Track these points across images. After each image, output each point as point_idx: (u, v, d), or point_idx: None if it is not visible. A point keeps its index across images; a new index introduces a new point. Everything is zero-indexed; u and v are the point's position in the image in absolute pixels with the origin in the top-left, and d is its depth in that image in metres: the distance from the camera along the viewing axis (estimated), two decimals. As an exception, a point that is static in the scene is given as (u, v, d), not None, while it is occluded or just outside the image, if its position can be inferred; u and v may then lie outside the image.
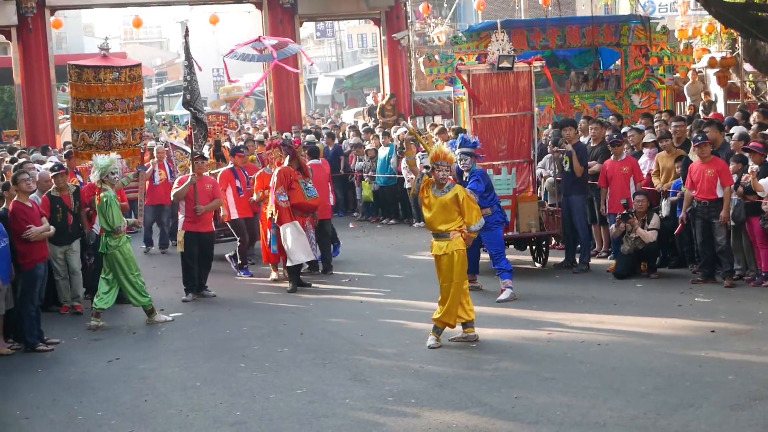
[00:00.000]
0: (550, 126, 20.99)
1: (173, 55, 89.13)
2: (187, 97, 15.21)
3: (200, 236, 15.23)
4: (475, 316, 11.73)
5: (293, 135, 25.42)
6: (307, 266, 16.41)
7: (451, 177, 11.75)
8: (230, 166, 17.72)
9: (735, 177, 14.21)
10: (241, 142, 22.63)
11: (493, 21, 23.39)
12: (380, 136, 24.19)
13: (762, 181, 13.62)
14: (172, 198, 15.82)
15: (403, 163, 22.11)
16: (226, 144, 21.67)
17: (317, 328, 12.94)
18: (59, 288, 14.70)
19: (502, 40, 16.15)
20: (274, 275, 16.61)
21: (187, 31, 15.75)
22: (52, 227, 13.25)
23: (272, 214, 15.69)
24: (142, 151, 15.94)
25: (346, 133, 27.31)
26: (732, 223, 14.22)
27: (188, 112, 15.72)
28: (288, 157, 15.85)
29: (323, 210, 16.83)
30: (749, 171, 13.79)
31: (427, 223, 11.84)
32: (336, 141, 26.05)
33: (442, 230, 11.52)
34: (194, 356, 11.81)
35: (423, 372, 10.53)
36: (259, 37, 22.83)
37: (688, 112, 24.29)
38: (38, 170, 15.08)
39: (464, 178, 14.40)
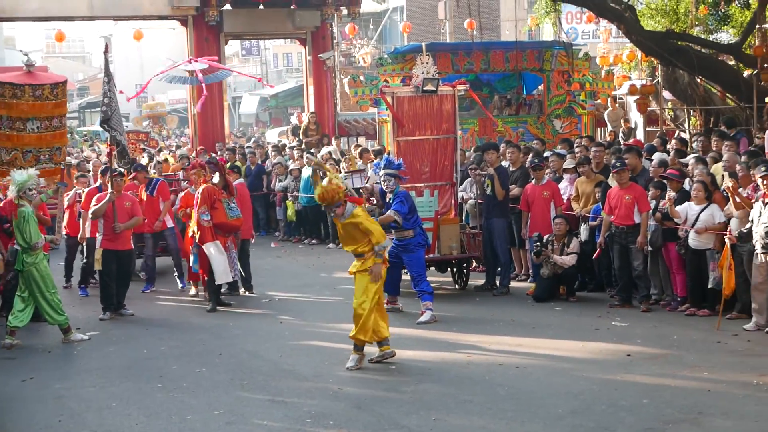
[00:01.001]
0: (472, 149, 21.14)
1: (96, 70, 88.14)
2: (107, 114, 15.04)
3: (118, 254, 15.06)
4: (389, 334, 11.75)
5: (219, 153, 25.36)
6: (227, 286, 16.30)
7: (345, 204, 11.63)
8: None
9: (653, 203, 14.42)
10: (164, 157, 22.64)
11: (418, 44, 23.52)
12: (304, 156, 24.15)
13: (679, 208, 13.84)
14: (90, 216, 15.59)
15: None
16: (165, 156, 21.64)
17: (236, 348, 12.85)
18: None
19: (427, 63, 16.24)
20: (193, 290, 16.54)
21: (107, 47, 15.63)
22: None
23: (194, 232, 15.58)
24: (62, 167, 15.70)
25: (269, 152, 27.21)
26: (649, 248, 14.42)
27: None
28: (216, 174, 15.76)
29: (245, 230, 16.77)
30: (666, 198, 14.01)
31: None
32: (259, 160, 25.94)
33: (350, 251, 11.82)
34: (110, 376, 11.66)
35: (342, 393, 10.51)
36: (191, 59, 22.78)
37: (608, 138, 24.58)
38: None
39: (388, 200, 14.45)
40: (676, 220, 13.87)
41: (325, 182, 11.62)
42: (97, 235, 15.20)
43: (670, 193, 14.07)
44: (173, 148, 33.26)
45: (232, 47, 58.59)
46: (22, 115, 14.24)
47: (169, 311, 15.70)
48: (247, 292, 16.73)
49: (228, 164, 22.13)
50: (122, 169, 16.02)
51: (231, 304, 15.69)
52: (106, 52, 15.60)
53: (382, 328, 11.66)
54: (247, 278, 16.91)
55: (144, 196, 17.55)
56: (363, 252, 11.64)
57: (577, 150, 18.07)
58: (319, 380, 11.08)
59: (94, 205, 15.23)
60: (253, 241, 17.96)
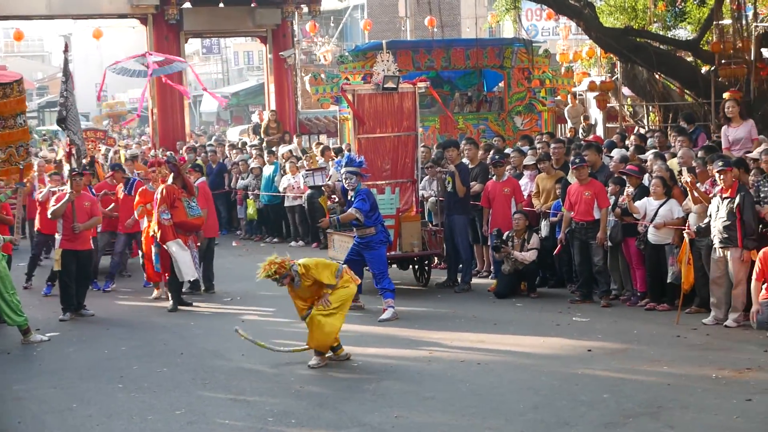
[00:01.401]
0: (434, 146, 21.20)
1: (55, 69, 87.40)
2: (63, 114, 14.94)
3: (78, 254, 14.95)
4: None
5: (180, 152, 25.26)
6: (189, 285, 16.24)
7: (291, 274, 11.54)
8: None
9: (613, 199, 14.51)
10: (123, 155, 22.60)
11: (378, 41, 23.54)
12: (264, 155, 24.10)
13: (638, 203, 13.94)
14: (49, 216, 15.46)
15: (285, 181, 22.12)
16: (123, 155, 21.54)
17: (198, 347, 12.81)
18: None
19: (388, 61, 16.27)
20: (155, 293, 16.44)
21: (66, 46, 15.51)
22: None
23: (155, 232, 15.51)
24: (21, 167, 15.56)
25: (226, 151, 27.12)
26: (609, 243, 14.51)
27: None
28: (172, 175, 15.69)
29: (209, 228, 16.76)
30: (625, 194, 14.10)
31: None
32: (220, 158, 25.85)
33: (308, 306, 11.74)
34: (71, 377, 11.58)
35: (304, 392, 10.51)
36: (146, 52, 22.66)
37: (568, 135, 24.71)
38: None
39: (349, 197, 14.45)
40: (635, 215, 13.97)
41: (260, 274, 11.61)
42: (56, 235, 15.09)
43: (629, 189, 14.17)
44: (125, 148, 33.02)
45: (193, 45, 58.43)
46: None
47: (130, 311, 15.62)
48: (206, 292, 16.68)
49: (189, 163, 22.15)
50: (79, 170, 15.90)
51: (192, 304, 15.64)
52: (65, 51, 15.50)
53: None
54: (209, 277, 16.87)
55: (121, 194, 17.55)
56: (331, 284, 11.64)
57: (538, 146, 18.14)
58: (281, 379, 11.06)
59: (53, 205, 15.12)
60: (217, 240, 17.95)
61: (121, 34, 61.24)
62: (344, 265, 11.99)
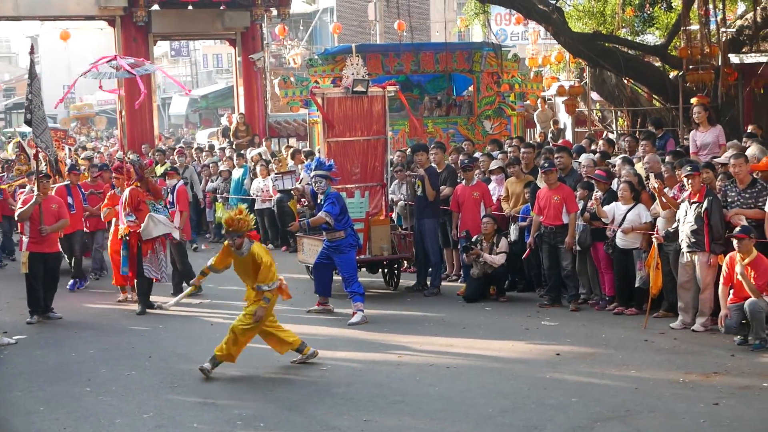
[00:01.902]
0: (408, 150, 21.21)
1: (22, 71, 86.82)
2: (27, 117, 14.89)
3: (45, 257, 14.86)
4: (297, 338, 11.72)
5: (149, 155, 25.17)
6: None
7: (245, 239, 11.36)
8: (66, 182, 17.80)
9: (581, 203, 14.57)
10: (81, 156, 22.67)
11: (348, 45, 23.56)
12: (234, 158, 24.04)
13: (606, 208, 14.00)
14: (16, 218, 15.38)
15: (256, 185, 22.08)
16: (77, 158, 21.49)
17: (166, 351, 12.76)
18: None
19: (357, 64, 16.27)
20: (121, 296, 16.38)
21: (32, 48, 15.42)
22: None
23: (122, 235, 15.45)
24: None
25: (193, 154, 27.03)
26: (578, 248, 14.56)
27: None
28: (136, 177, 15.67)
29: (188, 231, 17.09)
30: (593, 198, 14.16)
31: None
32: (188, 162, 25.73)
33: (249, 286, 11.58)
34: (38, 380, 11.51)
35: (273, 395, 10.48)
36: (116, 56, 22.58)
37: (538, 139, 24.79)
38: None
39: (319, 201, 14.44)
40: (603, 219, 14.03)
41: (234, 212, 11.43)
42: (24, 238, 15.00)
43: (597, 193, 14.24)
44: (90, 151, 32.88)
45: (161, 48, 58.18)
46: None
47: (98, 314, 15.53)
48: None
49: (162, 165, 22.22)
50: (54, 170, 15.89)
51: (161, 307, 15.57)
52: (31, 53, 15.41)
53: (291, 340, 11.66)
54: (189, 276, 16.90)
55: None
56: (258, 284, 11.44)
57: (509, 150, 18.17)
58: (250, 382, 11.04)
59: (20, 207, 15.03)
60: (193, 243, 18.02)
61: (89, 35, 60.85)
62: (285, 282, 11.78)
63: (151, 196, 15.53)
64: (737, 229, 11.93)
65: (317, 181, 14.40)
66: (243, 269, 11.53)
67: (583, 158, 16.28)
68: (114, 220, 16.47)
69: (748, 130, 17.98)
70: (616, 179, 14.85)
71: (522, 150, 17.06)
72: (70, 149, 24.67)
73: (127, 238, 15.40)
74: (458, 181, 16.68)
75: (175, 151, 25.41)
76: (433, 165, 16.67)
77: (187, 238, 17.43)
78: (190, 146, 29.57)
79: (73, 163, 20.51)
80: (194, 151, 27.69)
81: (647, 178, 14.31)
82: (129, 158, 18.92)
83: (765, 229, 12.28)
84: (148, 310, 15.30)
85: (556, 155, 15.60)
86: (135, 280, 15.58)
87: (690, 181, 12.70)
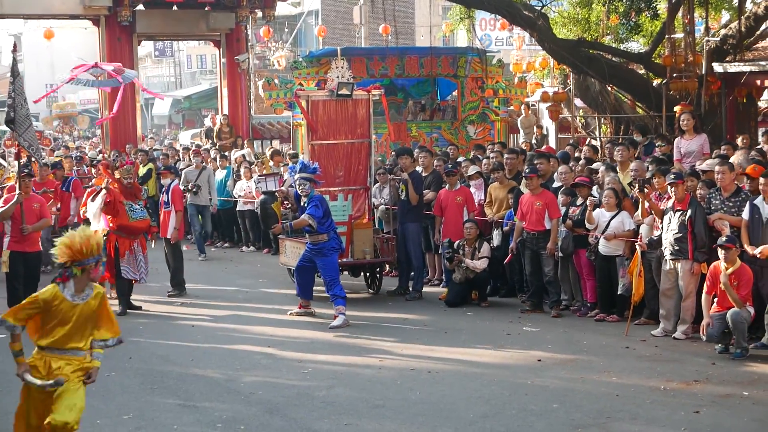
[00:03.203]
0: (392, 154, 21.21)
1: (5, 69, 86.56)
2: (11, 115, 14.82)
3: (26, 256, 14.77)
4: None
5: (132, 156, 25.09)
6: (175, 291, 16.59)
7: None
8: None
9: (563, 210, 14.59)
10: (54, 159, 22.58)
11: (333, 48, 23.55)
12: (217, 159, 23.99)
13: (595, 213, 13.99)
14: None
15: (240, 186, 22.04)
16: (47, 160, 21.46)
17: (147, 352, 12.71)
18: None
19: (342, 67, 16.26)
20: None
21: (15, 46, 15.35)
22: None
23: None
24: None
25: (181, 154, 26.92)
26: (560, 254, 14.57)
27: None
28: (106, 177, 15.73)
29: (181, 231, 17.24)
30: (588, 201, 14.13)
31: (54, 341, 7.91)
32: (172, 162, 25.65)
33: (74, 347, 7.95)
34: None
35: (253, 398, 10.45)
36: (96, 63, 22.55)
37: (523, 146, 24.81)
38: None
39: (302, 204, 14.42)
40: (588, 225, 14.03)
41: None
42: (6, 238, 14.94)
43: (593, 197, 14.23)
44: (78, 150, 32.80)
45: (145, 48, 58.01)
46: None
47: (78, 314, 15.43)
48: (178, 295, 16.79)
49: (144, 166, 22.22)
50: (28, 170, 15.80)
51: (140, 308, 15.52)
52: (14, 51, 15.35)
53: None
54: (181, 279, 16.94)
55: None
56: (80, 348, 7.99)
57: (491, 156, 18.18)
58: (231, 385, 11.00)
59: (1, 206, 14.94)
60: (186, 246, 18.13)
61: (73, 34, 60.68)
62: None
63: (130, 196, 15.47)
64: (723, 238, 11.95)
65: (301, 184, 14.37)
66: (78, 325, 7.94)
67: (562, 167, 16.17)
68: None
69: (738, 142, 18.06)
70: (595, 186, 14.88)
71: (506, 156, 17.06)
72: (44, 149, 24.57)
73: (105, 238, 15.35)
74: (442, 185, 16.67)
75: (191, 151, 25.11)
76: (417, 169, 16.68)
77: (180, 237, 17.34)
78: (174, 149, 29.37)
79: (46, 163, 20.56)
80: (182, 151, 27.56)
81: (630, 184, 14.35)
82: (106, 158, 18.96)
83: (741, 236, 12.31)
84: (128, 311, 15.24)
85: (536, 161, 15.62)
86: (114, 282, 15.55)
87: (673, 189, 12.73)
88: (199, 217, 21.99)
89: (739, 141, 18.24)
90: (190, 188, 20.82)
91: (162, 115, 64.08)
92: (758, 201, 12.34)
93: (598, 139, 23.60)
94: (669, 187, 12.86)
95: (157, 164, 24.19)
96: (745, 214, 12.39)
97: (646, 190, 13.22)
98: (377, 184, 17.61)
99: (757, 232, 12.23)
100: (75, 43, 58.91)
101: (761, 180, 12.33)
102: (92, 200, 15.61)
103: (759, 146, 17.50)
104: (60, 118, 58.55)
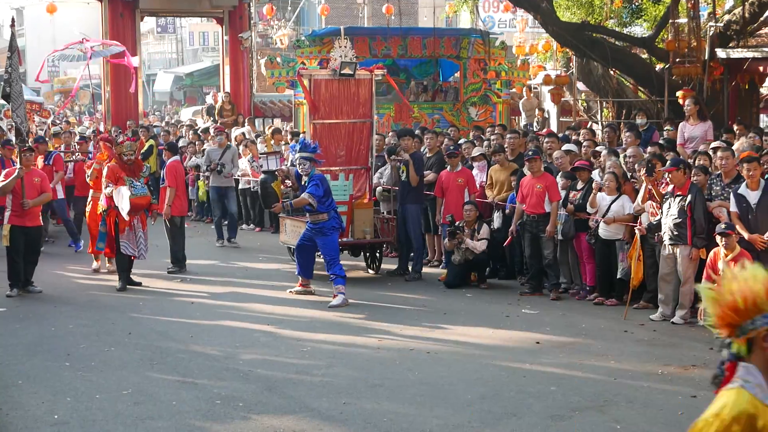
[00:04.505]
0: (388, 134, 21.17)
1: (4, 42, 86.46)
2: (6, 90, 14.86)
3: (26, 230, 14.83)
4: None
5: (129, 131, 25.05)
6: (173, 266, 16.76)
7: None
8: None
9: (563, 193, 14.59)
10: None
11: (336, 27, 23.50)
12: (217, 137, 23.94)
13: (599, 195, 13.97)
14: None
15: (242, 164, 22.01)
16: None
17: (146, 328, 12.74)
18: None
19: (345, 47, 16.23)
20: (95, 264, 16.77)
21: (13, 21, 15.38)
22: None
23: (101, 211, 15.48)
24: None
25: (184, 131, 26.94)
26: (560, 237, 14.59)
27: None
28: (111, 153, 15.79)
29: (176, 208, 17.09)
30: (593, 184, 14.11)
31: None
32: (173, 139, 25.65)
33: None
34: (17, 353, 11.47)
35: (252, 375, 10.48)
36: (83, 39, 22.59)
37: (531, 128, 24.82)
38: None
39: (303, 183, 14.43)
40: (590, 209, 14.03)
41: None
42: (6, 212, 14.98)
43: (597, 180, 14.20)
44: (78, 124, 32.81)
45: (148, 24, 57.88)
46: None
47: (78, 289, 15.50)
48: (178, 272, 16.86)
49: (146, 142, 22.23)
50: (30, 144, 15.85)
51: (140, 284, 15.55)
52: (12, 25, 15.36)
53: None
54: (181, 256, 16.99)
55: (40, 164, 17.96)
56: None
57: (492, 138, 18.17)
58: (230, 362, 11.03)
59: (2, 181, 14.97)
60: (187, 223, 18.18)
61: (76, 9, 60.57)
62: None
63: (130, 171, 15.48)
64: (722, 225, 11.96)
65: (301, 163, 14.37)
66: None
67: (557, 152, 16.12)
68: (91, 192, 17.04)
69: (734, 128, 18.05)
70: (596, 170, 14.88)
71: (508, 136, 17.07)
72: (44, 121, 24.59)
73: (105, 214, 15.41)
74: (444, 167, 16.67)
75: (214, 128, 24.86)
76: (418, 151, 16.69)
77: (182, 213, 17.33)
78: (174, 125, 29.34)
79: (39, 137, 20.84)
80: (185, 129, 27.55)
81: (633, 167, 14.37)
82: (99, 133, 19.05)
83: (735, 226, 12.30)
84: (128, 287, 15.28)
85: (546, 141, 15.60)
86: (114, 257, 15.61)
87: (669, 174, 12.76)
88: (225, 201, 20.80)
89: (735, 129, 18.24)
90: (212, 167, 20.57)
91: (163, 91, 64.00)
92: (742, 189, 12.36)
93: (599, 122, 23.62)
94: (666, 173, 12.88)
95: (158, 141, 24.21)
96: (732, 205, 12.41)
97: (654, 174, 13.19)
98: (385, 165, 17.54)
99: (746, 220, 12.25)
100: (77, 18, 58.85)
101: (744, 166, 12.34)
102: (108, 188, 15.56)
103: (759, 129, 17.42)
104: (61, 92, 58.36)
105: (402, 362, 10.97)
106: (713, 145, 14.62)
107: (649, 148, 14.74)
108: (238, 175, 22.12)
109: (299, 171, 14.54)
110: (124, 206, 14.99)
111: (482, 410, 9.28)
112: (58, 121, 33.69)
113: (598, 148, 16.06)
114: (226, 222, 20.30)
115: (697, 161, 13.75)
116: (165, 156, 18.21)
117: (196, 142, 24.29)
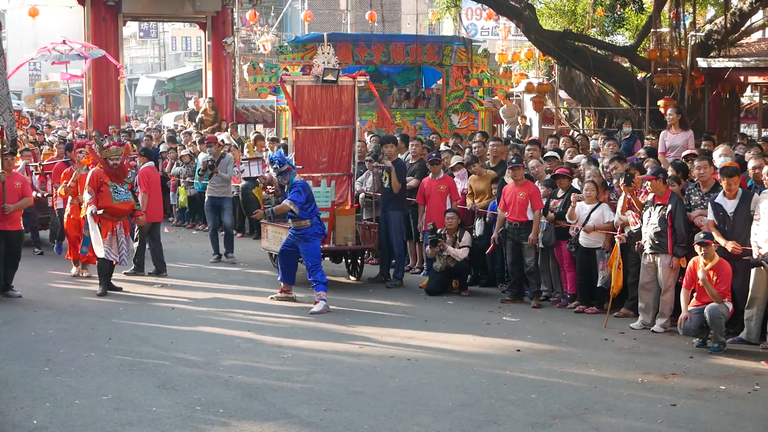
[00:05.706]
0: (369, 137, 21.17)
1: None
2: None
3: (7, 235, 14.77)
4: None
5: (114, 137, 25.02)
6: (134, 267, 16.69)
7: None
8: None
9: (545, 201, 14.62)
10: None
11: (319, 33, 23.54)
12: (197, 143, 23.91)
13: (578, 205, 13.97)
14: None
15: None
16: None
17: (126, 333, 12.70)
18: None
19: (328, 53, 16.23)
20: (74, 270, 16.72)
21: (0, 24, 15.33)
22: None
23: (85, 215, 15.42)
24: None
25: (166, 137, 26.89)
26: (541, 245, 14.61)
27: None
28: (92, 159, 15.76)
29: (152, 213, 16.98)
30: (572, 198, 14.13)
31: None
32: (155, 143, 25.60)
33: None
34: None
35: (232, 382, 10.46)
36: (64, 40, 22.55)
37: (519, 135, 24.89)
38: None
39: (285, 190, 14.42)
40: (569, 221, 14.05)
41: None
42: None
43: (576, 194, 14.22)
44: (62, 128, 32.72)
45: (130, 28, 57.79)
46: None
47: (59, 294, 15.44)
48: (158, 275, 16.88)
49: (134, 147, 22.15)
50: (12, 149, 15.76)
51: (121, 289, 15.50)
52: (-2, 29, 15.35)
53: None
54: (161, 259, 17.12)
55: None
56: None
57: (474, 145, 18.19)
58: (210, 368, 11.01)
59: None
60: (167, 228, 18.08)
61: (58, 13, 60.39)
62: None
63: (115, 178, 15.43)
64: (701, 235, 12.00)
65: (279, 178, 14.48)
66: None
67: (532, 162, 16.11)
68: (69, 198, 16.89)
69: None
70: (576, 179, 14.92)
71: (491, 143, 17.09)
72: (24, 128, 24.52)
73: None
74: (427, 174, 16.68)
75: (207, 138, 24.68)
76: (400, 157, 16.70)
77: (157, 219, 17.29)
78: (158, 130, 29.27)
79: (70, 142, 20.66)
80: (165, 134, 27.52)
81: (610, 176, 14.41)
82: (93, 136, 18.87)
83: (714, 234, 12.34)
84: (109, 292, 15.23)
85: (528, 149, 15.64)
86: (96, 261, 15.55)
87: (647, 183, 12.82)
88: (221, 213, 19.32)
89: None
90: (201, 170, 19.91)
91: (145, 96, 63.90)
92: (719, 198, 12.40)
93: (580, 131, 23.69)
94: (644, 182, 12.94)
95: (140, 146, 24.12)
96: (710, 214, 12.44)
97: (633, 183, 13.24)
98: (366, 171, 17.56)
99: (723, 229, 12.29)
100: (60, 23, 58.67)
101: (725, 180, 12.32)
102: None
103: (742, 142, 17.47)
104: (42, 96, 58.24)
105: (383, 369, 10.97)
106: (685, 153, 14.75)
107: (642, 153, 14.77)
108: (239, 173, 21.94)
109: (280, 183, 14.59)
110: (95, 242, 15.08)
111: (462, 417, 9.29)
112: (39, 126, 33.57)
113: (575, 159, 16.09)
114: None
115: (669, 172, 13.79)
116: (139, 161, 18.02)
117: (177, 147, 24.23)
